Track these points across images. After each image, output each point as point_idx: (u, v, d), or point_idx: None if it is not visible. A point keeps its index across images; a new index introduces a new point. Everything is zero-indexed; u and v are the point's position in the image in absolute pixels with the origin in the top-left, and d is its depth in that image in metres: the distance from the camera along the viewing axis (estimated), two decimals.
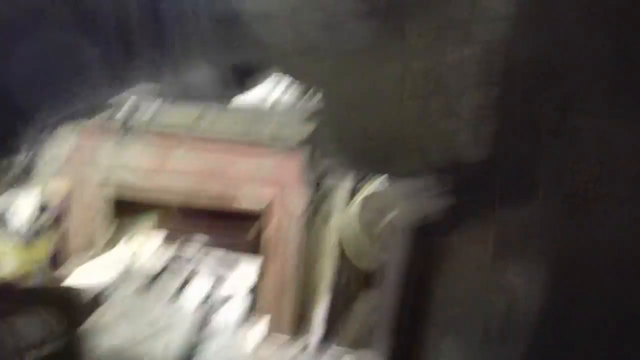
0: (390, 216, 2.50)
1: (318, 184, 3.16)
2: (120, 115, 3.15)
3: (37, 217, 3.51)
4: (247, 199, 3.19)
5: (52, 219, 3.56)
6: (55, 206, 3.80)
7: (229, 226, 3.39)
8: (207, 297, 3.02)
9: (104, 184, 3.29)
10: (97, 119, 3.07)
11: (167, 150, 3.21)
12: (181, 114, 3.21)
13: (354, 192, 3.03)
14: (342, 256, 3.10)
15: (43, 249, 3.42)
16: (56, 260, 3.45)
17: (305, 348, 2.99)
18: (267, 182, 3.17)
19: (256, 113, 3.26)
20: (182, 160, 3.22)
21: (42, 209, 3.55)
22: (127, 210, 3.47)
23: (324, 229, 3.22)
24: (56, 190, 4.09)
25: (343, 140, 2.20)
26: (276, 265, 3.22)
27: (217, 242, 3.36)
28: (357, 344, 2.82)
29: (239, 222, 3.37)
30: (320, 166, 3.08)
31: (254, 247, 3.28)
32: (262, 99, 3.37)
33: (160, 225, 3.57)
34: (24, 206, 3.64)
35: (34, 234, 3.34)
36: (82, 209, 3.40)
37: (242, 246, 3.33)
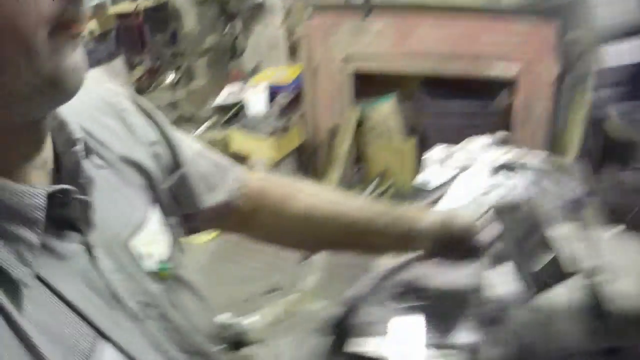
0: None
1: (569, 53, 3.15)
2: None
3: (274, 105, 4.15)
4: (495, 68, 3.37)
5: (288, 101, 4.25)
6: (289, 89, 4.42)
7: (477, 96, 3.59)
8: None
9: (347, 60, 3.79)
10: None
11: (411, 25, 3.51)
12: None
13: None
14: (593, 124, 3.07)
15: (295, 136, 3.95)
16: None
17: None
18: (517, 51, 3.29)
19: None
20: (427, 33, 3.49)
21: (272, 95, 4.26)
22: (370, 86, 3.93)
23: (574, 98, 3.25)
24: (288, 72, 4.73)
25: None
26: (525, 135, 3.36)
27: (465, 112, 3.54)
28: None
29: (487, 91, 3.59)
30: (572, 35, 3.09)
31: (502, 116, 3.44)
32: None
33: (402, 100, 4.00)
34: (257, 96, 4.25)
35: (278, 120, 3.89)
36: (326, 87, 3.97)
37: (491, 116, 3.49)
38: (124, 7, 8.03)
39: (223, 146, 4.44)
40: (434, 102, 3.74)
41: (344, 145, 3.98)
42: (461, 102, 3.67)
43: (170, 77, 7.46)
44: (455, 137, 3.05)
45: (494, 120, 3.48)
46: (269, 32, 6.56)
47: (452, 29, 3.48)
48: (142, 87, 7.58)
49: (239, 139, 3.95)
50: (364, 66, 3.85)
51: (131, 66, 8.34)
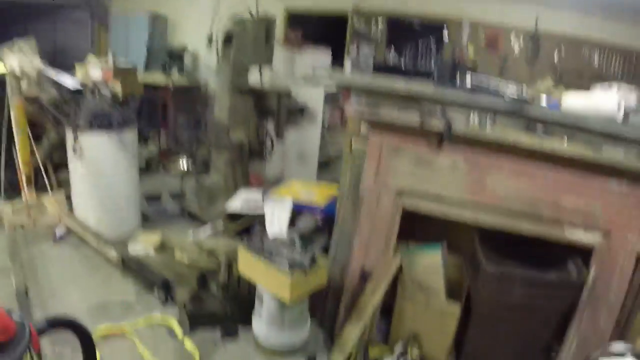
0: None
1: None
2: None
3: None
4: (574, 233, 2.91)
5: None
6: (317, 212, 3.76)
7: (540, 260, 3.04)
8: None
9: (401, 194, 3.17)
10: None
11: (486, 168, 2.95)
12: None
13: None
14: None
15: (318, 275, 3.16)
16: None
17: None
18: (603, 216, 2.85)
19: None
20: (502, 182, 2.95)
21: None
22: (413, 223, 3.29)
23: None
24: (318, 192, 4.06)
25: None
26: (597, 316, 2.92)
27: (530, 282, 2.93)
28: None
29: (554, 257, 3.08)
30: None
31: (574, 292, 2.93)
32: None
33: (452, 252, 3.41)
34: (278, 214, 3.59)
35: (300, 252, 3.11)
36: (368, 220, 3.27)
37: (561, 290, 2.96)
38: (156, 79, 7.60)
39: (218, 258, 3.68)
40: (490, 263, 2.97)
41: (375, 296, 3.17)
42: (526, 272, 2.96)
43: (184, 163, 6.83)
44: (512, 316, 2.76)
45: (564, 297, 2.93)
46: (303, 140, 5.98)
47: (533, 181, 2.88)
48: (150, 165, 6.94)
49: (248, 263, 3.15)
50: (420, 205, 3.13)
51: (145, 140, 7.75)
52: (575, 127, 2.75)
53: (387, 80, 3.15)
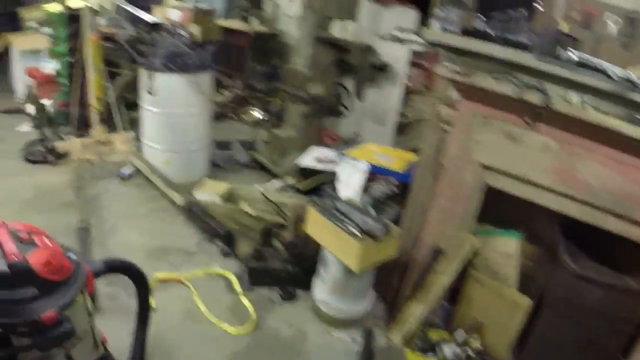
0: None
1: None
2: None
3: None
4: None
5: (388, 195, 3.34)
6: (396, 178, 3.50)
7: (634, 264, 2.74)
8: None
9: (487, 169, 2.91)
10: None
11: (582, 152, 2.61)
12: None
13: None
14: None
15: (388, 246, 2.96)
16: None
17: None
18: None
19: None
20: (597, 171, 2.60)
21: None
22: (492, 206, 3.04)
23: None
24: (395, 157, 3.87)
25: None
26: None
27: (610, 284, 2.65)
28: None
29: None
30: None
31: None
32: None
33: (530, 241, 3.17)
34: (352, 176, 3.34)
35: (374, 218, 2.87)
36: (448, 194, 3.04)
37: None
38: (235, 24, 7.43)
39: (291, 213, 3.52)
40: (572, 260, 2.69)
41: (445, 276, 2.94)
42: (609, 275, 2.67)
43: (258, 113, 6.69)
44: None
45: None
46: (382, 100, 5.70)
47: (628, 176, 2.51)
48: (223, 113, 6.84)
49: (317, 224, 2.96)
50: (506, 184, 2.84)
51: (220, 86, 7.64)
52: None
53: (485, 45, 2.85)
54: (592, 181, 2.58)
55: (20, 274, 1.38)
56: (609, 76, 2.52)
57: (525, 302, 2.88)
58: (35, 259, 1.41)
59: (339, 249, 2.85)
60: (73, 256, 1.56)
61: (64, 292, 1.46)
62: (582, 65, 2.67)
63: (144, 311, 1.99)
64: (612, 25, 5.82)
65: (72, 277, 1.50)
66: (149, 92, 4.34)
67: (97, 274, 1.70)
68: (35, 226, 1.59)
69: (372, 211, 2.96)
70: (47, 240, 1.53)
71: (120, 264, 1.83)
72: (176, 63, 4.35)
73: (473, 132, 2.88)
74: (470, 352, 2.87)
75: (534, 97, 2.58)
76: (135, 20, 4.69)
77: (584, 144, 2.57)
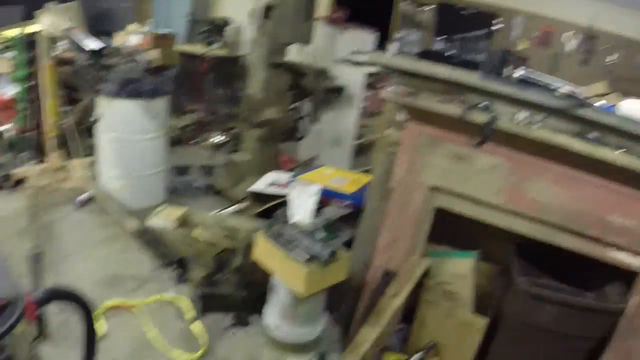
0: None
1: None
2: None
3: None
4: (619, 255, 2.60)
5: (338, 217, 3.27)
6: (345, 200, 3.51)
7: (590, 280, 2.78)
8: None
9: (436, 191, 2.93)
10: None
11: (529, 173, 2.66)
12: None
13: None
14: None
15: (337, 271, 2.95)
16: None
17: None
18: None
19: None
20: (545, 190, 2.65)
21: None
22: (445, 227, 3.06)
23: None
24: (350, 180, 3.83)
25: None
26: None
27: (569, 304, 2.61)
28: None
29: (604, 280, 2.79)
30: None
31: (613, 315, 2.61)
32: None
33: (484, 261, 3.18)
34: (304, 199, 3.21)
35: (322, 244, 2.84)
36: (397, 216, 3.02)
37: (601, 316, 2.64)
38: (196, 49, 7.44)
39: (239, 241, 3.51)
40: (524, 279, 2.71)
41: (396, 300, 2.94)
42: (562, 293, 2.66)
43: (218, 138, 6.69)
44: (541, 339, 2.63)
45: (600, 324, 2.63)
46: (339, 123, 5.74)
47: (578, 193, 2.57)
48: (183, 138, 6.82)
49: (265, 249, 2.96)
50: (455, 205, 2.88)
51: (181, 111, 7.62)
52: (633, 136, 2.44)
53: (430, 66, 2.90)
54: (541, 199, 2.63)
55: None
56: (555, 94, 2.58)
57: (479, 323, 2.89)
58: None
59: (286, 274, 2.85)
60: (7, 289, 1.56)
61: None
62: (524, 82, 2.73)
63: (89, 339, 1.97)
64: (571, 42, 5.97)
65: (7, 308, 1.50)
66: (95, 120, 4.34)
67: (40, 303, 1.68)
68: None
69: (321, 235, 2.97)
70: None
71: (62, 292, 1.82)
72: (129, 89, 4.33)
73: (421, 154, 2.91)
74: None
75: (479, 117, 2.61)
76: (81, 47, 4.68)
77: (534, 162, 2.62)
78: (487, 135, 2.60)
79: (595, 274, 2.77)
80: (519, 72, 2.78)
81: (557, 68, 6.08)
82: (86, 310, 1.89)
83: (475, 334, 2.91)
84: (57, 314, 2.97)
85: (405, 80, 3.00)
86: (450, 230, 3.23)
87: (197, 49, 7.24)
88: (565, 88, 2.72)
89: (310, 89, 4.85)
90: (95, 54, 4.49)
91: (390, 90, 2.91)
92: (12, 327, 1.48)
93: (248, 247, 3.34)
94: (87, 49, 4.48)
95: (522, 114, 2.55)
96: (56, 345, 2.89)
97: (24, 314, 1.54)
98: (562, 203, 2.59)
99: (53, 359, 2.68)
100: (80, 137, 5.41)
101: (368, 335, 2.97)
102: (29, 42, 4.79)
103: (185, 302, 3.39)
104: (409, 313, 3.15)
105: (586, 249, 2.62)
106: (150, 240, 3.89)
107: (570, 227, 2.61)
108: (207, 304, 3.33)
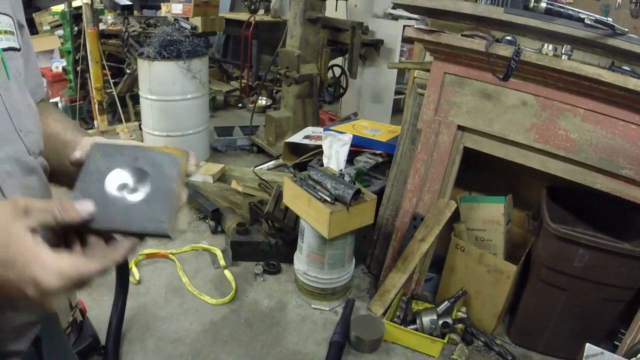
0: None
1: None
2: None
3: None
4: None
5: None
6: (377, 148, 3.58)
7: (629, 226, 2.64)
8: None
9: (464, 131, 2.85)
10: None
11: (562, 108, 2.51)
12: None
13: None
14: None
15: (365, 213, 2.87)
16: None
17: None
18: None
19: None
20: (580, 125, 2.48)
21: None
22: (478, 171, 3.09)
23: None
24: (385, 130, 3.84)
25: None
26: None
27: (600, 248, 2.43)
28: None
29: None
30: None
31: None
32: None
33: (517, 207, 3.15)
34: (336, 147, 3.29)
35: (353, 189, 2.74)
36: (426, 157, 2.96)
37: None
38: (239, 16, 7.49)
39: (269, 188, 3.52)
40: (554, 221, 2.58)
41: (423, 244, 2.90)
42: (594, 236, 2.53)
43: (263, 99, 6.74)
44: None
45: (636, 272, 2.43)
46: (379, 78, 5.66)
47: (613, 129, 2.38)
48: (230, 101, 6.91)
49: (292, 194, 2.95)
50: (484, 146, 2.78)
51: (229, 77, 7.71)
52: None
53: (454, 2, 2.79)
54: (574, 137, 2.48)
55: None
56: (585, 23, 2.42)
57: (510, 269, 2.77)
58: None
59: (312, 216, 2.84)
60: None
61: None
62: (550, 12, 2.57)
63: (122, 282, 2.04)
64: None
65: None
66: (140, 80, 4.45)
67: None
68: None
69: (348, 179, 2.95)
70: None
71: None
72: (168, 51, 4.42)
73: (447, 93, 2.83)
74: (450, 322, 2.79)
75: (503, 50, 2.50)
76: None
77: (563, 97, 2.48)
78: (512, 67, 2.49)
79: (634, 225, 2.62)
80: (543, 4, 2.61)
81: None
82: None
83: (505, 282, 2.81)
84: None
85: (430, 18, 2.92)
86: (483, 175, 3.16)
87: (242, 15, 7.28)
88: (595, 16, 2.53)
89: (348, 45, 4.79)
90: (126, 8, 4.67)
91: (415, 28, 2.83)
92: None
93: (280, 195, 3.36)
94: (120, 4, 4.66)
95: (549, 46, 2.43)
96: (92, 291, 3.00)
97: None
98: (595, 140, 2.44)
99: (88, 303, 2.78)
100: (127, 103, 5.58)
101: (396, 281, 2.94)
102: (75, 16, 4.96)
103: (219, 251, 3.45)
104: (439, 262, 3.10)
105: (622, 191, 2.43)
106: (190, 193, 3.97)
107: (605, 167, 2.45)
108: (239, 251, 3.37)
